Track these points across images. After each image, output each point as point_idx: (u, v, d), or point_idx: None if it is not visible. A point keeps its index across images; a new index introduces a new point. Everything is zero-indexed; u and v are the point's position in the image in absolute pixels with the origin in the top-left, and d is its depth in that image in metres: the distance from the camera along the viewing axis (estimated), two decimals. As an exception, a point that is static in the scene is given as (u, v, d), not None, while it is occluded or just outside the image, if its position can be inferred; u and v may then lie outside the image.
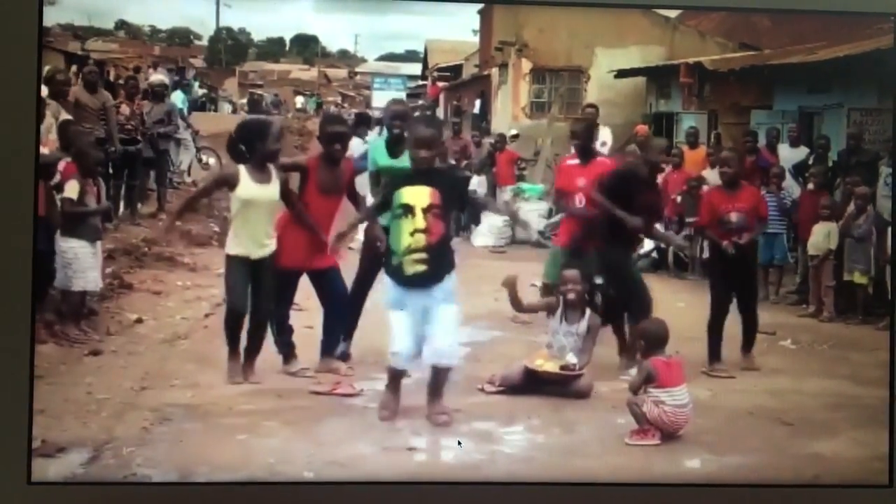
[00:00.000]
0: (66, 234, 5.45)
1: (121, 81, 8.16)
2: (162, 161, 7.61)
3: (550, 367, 5.13)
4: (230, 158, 5.15)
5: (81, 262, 5.46)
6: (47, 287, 5.37)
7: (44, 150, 5.16)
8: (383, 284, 4.77)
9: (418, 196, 4.51)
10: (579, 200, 5.87)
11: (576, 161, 5.98)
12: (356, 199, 5.45)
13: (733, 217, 5.73)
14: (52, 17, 4.93)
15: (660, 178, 6.42)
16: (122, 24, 9.11)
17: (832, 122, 7.66)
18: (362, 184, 5.58)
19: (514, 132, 9.16)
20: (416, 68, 11.06)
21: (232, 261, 5.07)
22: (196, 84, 10.07)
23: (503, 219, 8.22)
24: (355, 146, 6.12)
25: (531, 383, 5.12)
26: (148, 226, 7.24)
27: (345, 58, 11.12)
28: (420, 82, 11.25)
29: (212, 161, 8.23)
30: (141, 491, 4.07)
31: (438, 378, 4.65)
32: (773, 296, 7.04)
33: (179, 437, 4.40)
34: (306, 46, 11.03)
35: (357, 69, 11.07)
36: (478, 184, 8.37)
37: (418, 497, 4.19)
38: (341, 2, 8.89)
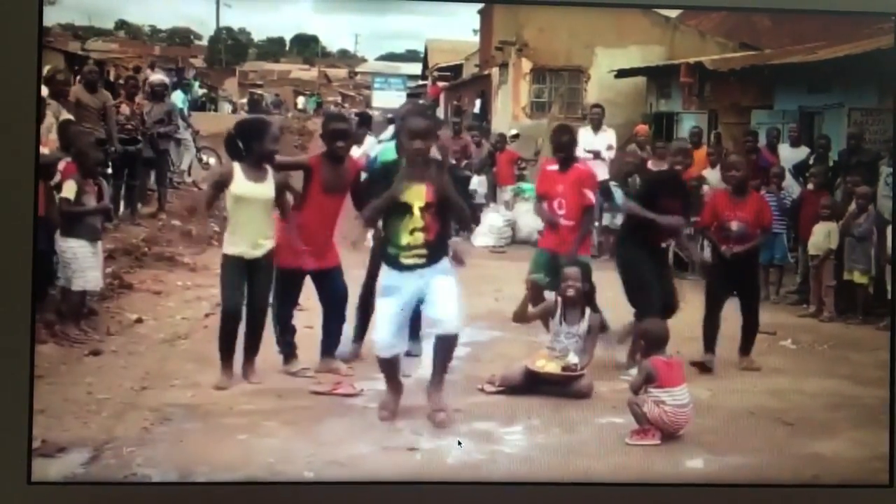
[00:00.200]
0: (66, 233, 5.46)
1: (121, 81, 8.13)
2: (162, 161, 7.59)
3: (552, 367, 5.13)
4: (227, 155, 5.16)
5: (81, 262, 5.47)
6: (47, 287, 5.38)
7: (44, 150, 5.16)
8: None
9: (416, 195, 4.52)
10: (558, 205, 5.92)
11: (555, 167, 6.02)
12: (360, 198, 5.35)
13: (734, 226, 5.77)
14: (52, 17, 4.92)
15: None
16: (122, 24, 9.09)
17: (833, 122, 7.64)
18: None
19: (514, 132, 9.14)
20: (416, 68, 11.03)
21: (227, 260, 5.08)
22: (196, 84, 10.04)
23: (504, 219, 8.24)
24: (369, 145, 6.09)
25: (532, 384, 5.12)
26: (148, 226, 7.23)
27: (345, 58, 11.09)
28: (420, 82, 11.23)
29: (212, 161, 8.21)
30: (141, 491, 4.08)
31: (443, 349, 4.60)
32: (774, 296, 7.02)
33: (179, 437, 4.40)
34: (306, 46, 10.99)
35: (357, 69, 11.03)
36: (478, 184, 8.37)
37: (418, 497, 4.19)
38: (341, 2, 8.88)
